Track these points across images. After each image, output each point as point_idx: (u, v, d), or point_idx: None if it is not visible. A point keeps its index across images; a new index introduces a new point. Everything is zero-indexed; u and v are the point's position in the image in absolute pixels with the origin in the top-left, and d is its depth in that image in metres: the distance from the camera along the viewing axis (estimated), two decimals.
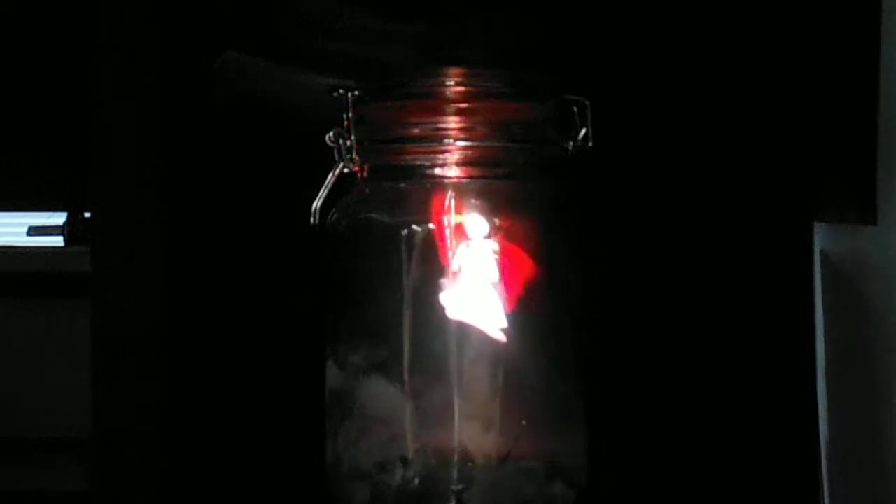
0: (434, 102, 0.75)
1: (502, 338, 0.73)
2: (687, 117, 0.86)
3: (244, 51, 0.87)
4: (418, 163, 0.75)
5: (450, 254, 0.73)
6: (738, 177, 0.86)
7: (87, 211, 0.94)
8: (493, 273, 0.74)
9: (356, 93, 0.76)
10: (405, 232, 0.74)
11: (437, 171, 0.75)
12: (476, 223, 0.74)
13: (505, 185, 0.76)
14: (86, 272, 0.81)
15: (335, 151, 0.76)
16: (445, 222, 0.73)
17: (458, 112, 0.75)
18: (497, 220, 0.74)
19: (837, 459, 0.84)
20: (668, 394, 0.86)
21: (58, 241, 1.70)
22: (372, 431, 0.74)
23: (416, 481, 0.73)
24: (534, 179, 0.76)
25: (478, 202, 0.74)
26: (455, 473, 0.73)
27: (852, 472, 0.83)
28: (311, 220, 0.76)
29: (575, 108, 0.76)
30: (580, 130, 0.76)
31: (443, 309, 0.73)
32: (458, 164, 0.75)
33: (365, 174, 0.76)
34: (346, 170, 0.76)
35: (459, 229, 0.73)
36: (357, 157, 0.76)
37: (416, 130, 0.75)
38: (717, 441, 0.86)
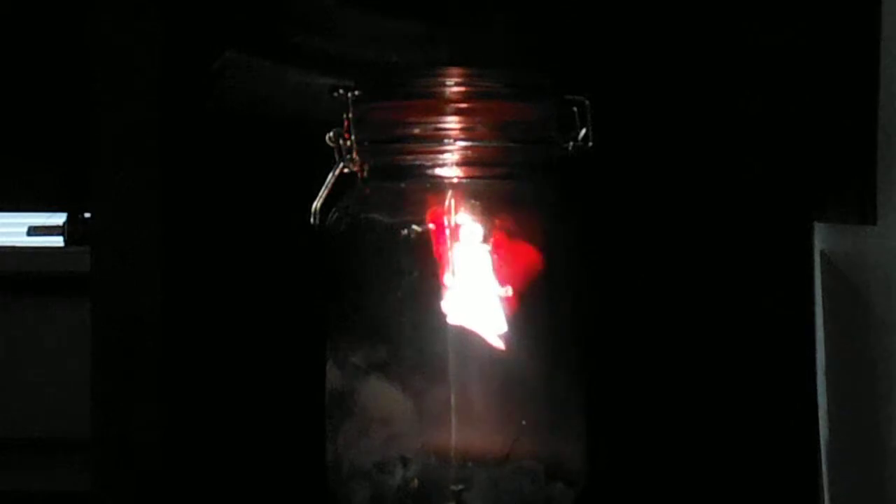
0: (434, 102, 0.75)
1: (502, 338, 0.73)
2: (687, 117, 0.86)
3: (245, 51, 0.87)
4: (418, 163, 0.75)
5: (450, 254, 0.73)
6: (738, 177, 0.86)
7: (87, 211, 0.94)
8: (493, 273, 0.74)
9: (356, 93, 0.76)
10: (405, 232, 0.74)
11: (437, 171, 0.75)
12: (475, 223, 0.74)
13: (505, 185, 0.76)
14: (86, 272, 0.81)
15: (335, 151, 0.76)
16: (445, 222, 0.73)
17: (458, 112, 0.75)
18: (497, 221, 0.74)
19: (837, 459, 0.84)
20: (669, 394, 0.86)
21: (58, 241, 1.70)
22: (372, 431, 0.74)
23: (416, 481, 0.73)
24: (534, 179, 0.76)
25: (478, 202, 0.74)
26: (455, 473, 0.73)
27: (852, 472, 0.83)
28: (311, 220, 0.76)
29: (575, 108, 0.76)
30: (580, 130, 0.76)
31: (443, 308, 0.73)
32: (458, 164, 0.75)
33: (365, 174, 0.76)
34: (346, 170, 0.76)
35: (459, 229, 0.73)
36: (357, 157, 0.76)
37: (416, 130, 0.75)
38: (717, 441, 0.86)
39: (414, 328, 0.74)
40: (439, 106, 0.75)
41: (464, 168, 0.75)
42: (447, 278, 0.73)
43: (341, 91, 0.76)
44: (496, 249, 0.74)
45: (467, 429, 0.73)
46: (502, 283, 0.74)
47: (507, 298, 0.74)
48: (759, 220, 0.86)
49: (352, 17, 0.86)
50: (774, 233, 0.86)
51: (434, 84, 0.76)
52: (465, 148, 0.75)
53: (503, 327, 0.74)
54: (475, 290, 0.73)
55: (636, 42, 0.86)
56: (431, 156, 0.75)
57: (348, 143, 0.76)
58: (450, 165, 0.75)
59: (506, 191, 0.75)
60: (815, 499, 0.84)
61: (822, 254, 0.85)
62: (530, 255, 0.75)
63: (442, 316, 0.73)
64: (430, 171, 0.75)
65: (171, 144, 0.82)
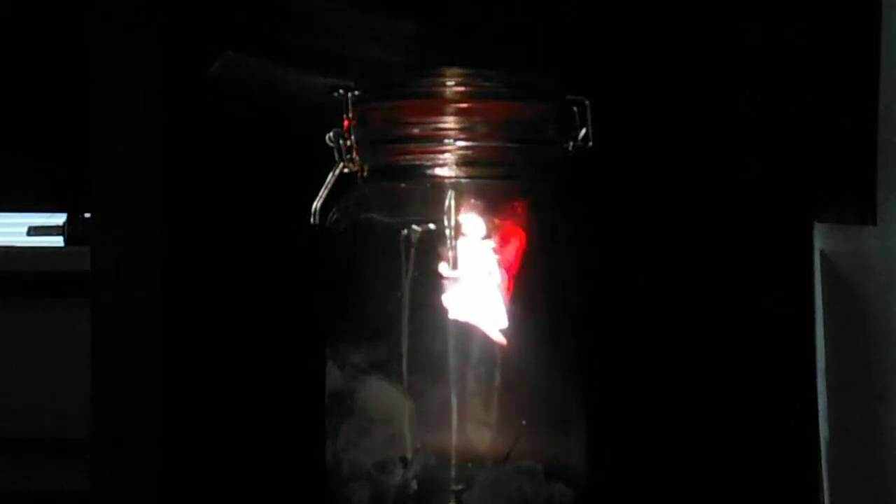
0: (434, 102, 0.75)
1: (503, 338, 0.73)
2: (687, 117, 0.86)
3: (244, 51, 0.87)
4: (418, 163, 0.75)
5: (450, 254, 0.73)
6: (738, 177, 0.86)
7: (87, 211, 0.94)
8: (493, 273, 0.74)
9: (356, 93, 0.76)
10: (405, 232, 0.74)
11: (437, 171, 0.75)
12: (475, 223, 0.74)
13: (505, 185, 0.76)
14: (86, 272, 0.81)
15: (335, 151, 0.76)
16: (445, 222, 0.73)
17: (458, 112, 0.75)
18: (497, 220, 0.74)
19: (837, 459, 0.84)
20: (669, 394, 0.86)
21: (58, 241, 1.70)
22: (372, 431, 0.74)
23: (416, 481, 0.73)
24: (534, 179, 0.76)
25: (478, 202, 0.74)
26: (455, 473, 0.73)
27: (852, 472, 0.83)
28: (311, 220, 0.76)
29: (575, 108, 0.76)
30: (580, 130, 0.76)
31: (443, 309, 0.73)
32: (458, 164, 0.75)
33: (365, 174, 0.76)
34: (346, 170, 0.76)
35: (459, 229, 0.73)
36: (357, 157, 0.76)
37: (416, 130, 0.75)
38: (717, 441, 0.86)
39: (414, 328, 0.74)
40: (439, 106, 0.75)
41: (464, 168, 0.75)
42: (447, 278, 0.73)
43: (341, 91, 0.76)
44: (496, 249, 0.74)
45: (467, 429, 0.73)
46: (502, 283, 0.74)
47: (507, 299, 0.74)
48: (759, 220, 0.86)
49: (351, 17, 0.86)
50: (774, 233, 0.86)
51: (434, 84, 0.76)
52: (465, 148, 0.75)
53: (504, 327, 0.74)
54: (475, 289, 0.73)
55: (636, 42, 0.86)
56: (431, 156, 0.75)
57: (348, 143, 0.76)
58: (450, 165, 0.75)
59: (506, 191, 0.75)
60: (815, 499, 0.84)
61: (822, 254, 0.85)
62: (530, 256, 0.75)
63: (442, 316, 0.73)
64: (430, 171, 0.75)
65: (170, 144, 0.82)
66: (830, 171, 0.85)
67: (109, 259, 0.80)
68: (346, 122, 0.76)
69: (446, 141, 0.75)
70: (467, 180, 0.75)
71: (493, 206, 0.74)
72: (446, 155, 0.75)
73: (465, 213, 0.74)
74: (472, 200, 0.74)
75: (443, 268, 0.73)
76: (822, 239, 0.85)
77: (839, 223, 0.84)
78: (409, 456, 0.73)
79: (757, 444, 0.85)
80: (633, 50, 0.86)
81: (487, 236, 0.74)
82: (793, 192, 0.85)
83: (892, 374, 0.78)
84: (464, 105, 0.75)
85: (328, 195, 0.76)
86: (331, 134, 0.76)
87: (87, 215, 1.06)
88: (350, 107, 0.76)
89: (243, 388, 0.87)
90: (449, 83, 0.75)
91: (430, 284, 0.74)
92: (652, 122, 0.86)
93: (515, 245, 0.74)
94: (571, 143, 0.76)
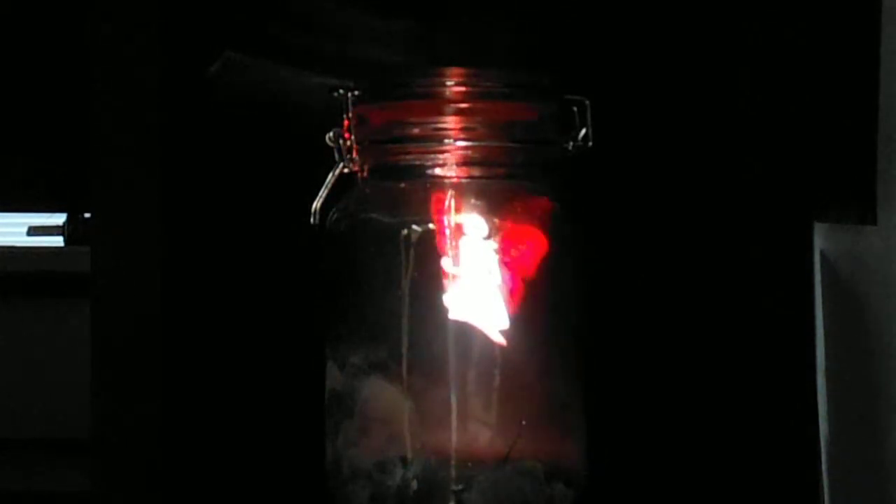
0: (434, 102, 0.75)
1: (502, 338, 0.73)
2: (687, 117, 0.86)
3: (245, 51, 0.87)
4: (418, 163, 0.75)
5: (450, 254, 0.73)
6: (738, 177, 0.86)
7: (87, 211, 0.94)
8: (493, 273, 0.74)
9: (356, 93, 0.76)
10: (405, 232, 0.74)
11: (437, 171, 0.75)
12: (476, 223, 0.74)
13: (505, 185, 0.76)
14: (86, 272, 0.81)
15: (335, 151, 0.76)
16: (445, 222, 0.73)
17: (458, 112, 0.75)
18: (497, 221, 0.74)
19: (837, 459, 0.84)
20: (669, 394, 0.86)
21: (58, 241, 1.70)
22: (372, 431, 0.74)
23: (416, 481, 0.73)
24: (534, 179, 0.76)
25: (478, 202, 0.74)
26: (455, 473, 0.73)
27: (852, 472, 0.83)
28: (311, 220, 0.76)
29: (575, 108, 0.76)
30: (580, 130, 0.76)
31: (443, 309, 0.73)
32: (458, 164, 0.75)
33: (365, 174, 0.76)
34: (346, 170, 0.76)
35: (459, 229, 0.73)
36: (357, 157, 0.76)
37: (416, 130, 0.75)
38: (717, 441, 0.86)
39: (414, 328, 0.74)
40: (439, 106, 0.75)
41: (464, 168, 0.75)
42: (447, 278, 0.73)
43: (341, 91, 0.76)
44: (496, 249, 0.74)
45: (467, 429, 0.73)
46: (502, 283, 0.74)
47: (508, 299, 0.74)
48: (759, 220, 0.86)
49: (351, 17, 0.86)
50: (774, 233, 0.86)
51: (434, 84, 0.76)
52: (465, 148, 0.75)
53: (504, 324, 0.74)
54: (475, 289, 0.73)
55: (636, 42, 0.86)
56: (431, 156, 0.75)
57: (348, 143, 0.76)
58: (450, 165, 0.75)
59: (506, 191, 0.75)
60: (815, 499, 0.84)
61: (822, 254, 0.85)
62: (530, 256, 0.75)
63: (442, 316, 0.73)
64: (430, 171, 0.75)
65: (170, 144, 0.82)
66: (830, 171, 0.85)
67: (109, 259, 0.80)
68: (346, 122, 0.76)
69: (446, 141, 0.75)
70: (467, 180, 0.75)
71: (493, 206, 0.74)
72: (446, 155, 0.75)
73: (465, 213, 0.74)
74: (472, 200, 0.74)
75: (443, 268, 0.73)
76: (822, 239, 0.85)
77: (839, 223, 0.84)
78: (409, 456, 0.73)
79: (757, 444, 0.85)
80: (633, 50, 0.86)
81: (487, 236, 0.74)
82: (793, 192, 0.85)
83: (892, 374, 0.78)
84: (464, 105, 0.75)
85: (328, 195, 0.76)
86: (331, 134, 0.76)
87: (87, 215, 1.06)
88: (350, 107, 0.76)
89: (243, 388, 0.87)
90: (449, 83, 0.75)
91: (430, 285, 0.74)
92: (652, 122, 0.86)
93: (515, 245, 0.74)
94: (571, 143, 0.76)
